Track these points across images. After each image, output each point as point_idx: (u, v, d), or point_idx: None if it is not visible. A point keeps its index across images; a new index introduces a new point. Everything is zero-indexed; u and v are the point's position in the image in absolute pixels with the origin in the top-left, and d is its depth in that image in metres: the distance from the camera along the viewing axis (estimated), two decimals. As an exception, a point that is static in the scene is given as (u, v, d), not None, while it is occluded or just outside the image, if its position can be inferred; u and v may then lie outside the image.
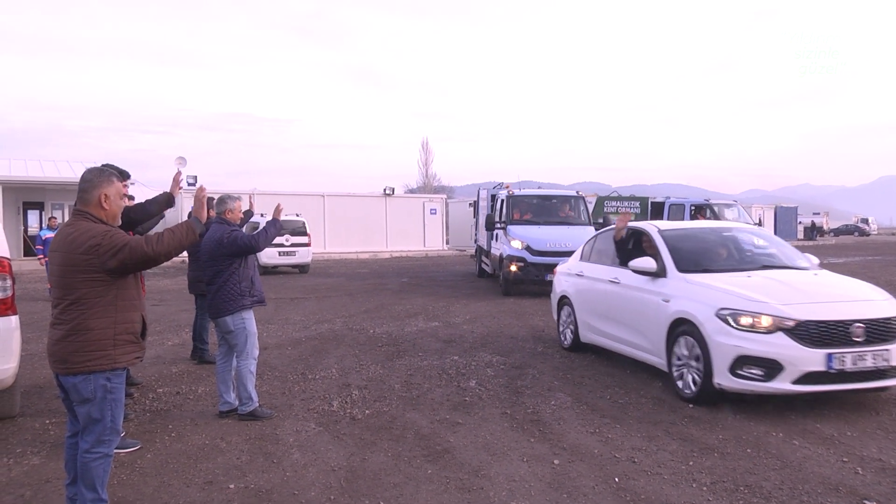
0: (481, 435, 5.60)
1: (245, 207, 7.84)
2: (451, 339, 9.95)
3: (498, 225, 16.62)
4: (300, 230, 23.27)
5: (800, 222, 55.32)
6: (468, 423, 5.90)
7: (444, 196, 43.35)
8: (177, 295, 16.08)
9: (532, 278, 15.01)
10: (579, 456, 5.10)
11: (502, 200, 17.04)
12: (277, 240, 22.05)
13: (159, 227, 5.17)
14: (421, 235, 37.07)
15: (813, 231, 55.20)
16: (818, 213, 68.16)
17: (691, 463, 4.92)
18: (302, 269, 23.33)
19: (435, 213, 37.80)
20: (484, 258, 19.75)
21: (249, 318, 6.15)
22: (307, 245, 23.37)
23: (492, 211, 18.20)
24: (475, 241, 22.02)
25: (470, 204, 39.29)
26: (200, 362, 8.42)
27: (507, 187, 17.41)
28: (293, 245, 22.82)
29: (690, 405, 6.33)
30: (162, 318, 12.27)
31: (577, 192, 17.77)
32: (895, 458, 4.91)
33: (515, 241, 15.29)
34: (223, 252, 6.03)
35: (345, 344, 9.64)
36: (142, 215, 6.34)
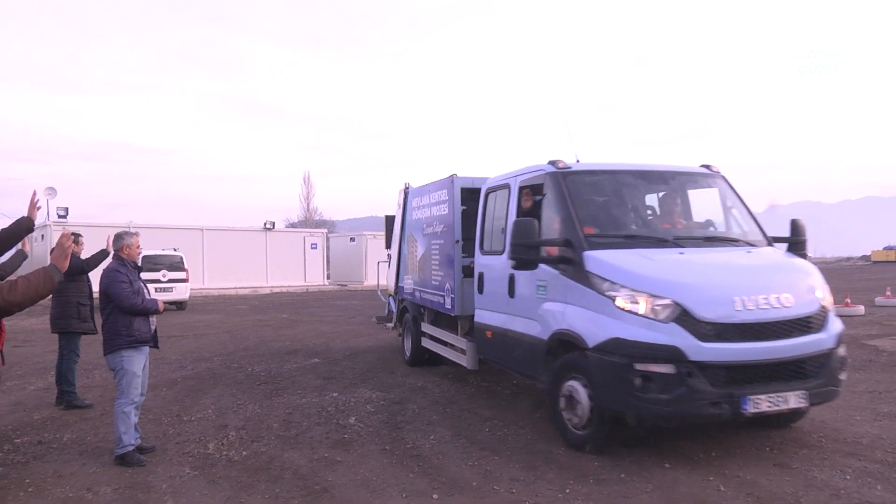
0: (360, 472, 5.50)
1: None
2: (330, 375, 9.75)
3: (548, 255, 6.37)
4: (178, 265, 22.33)
5: None
6: (347, 461, 5.78)
7: (325, 230, 42.88)
8: (43, 335, 14.93)
9: (706, 412, 5.34)
10: (458, 489, 5.10)
11: (538, 189, 6.94)
12: (154, 275, 21.04)
13: (26, 265, 4.78)
14: (301, 270, 36.41)
15: None
16: None
17: (568, 490, 5.02)
18: (179, 305, 22.30)
19: (316, 248, 37.31)
20: (427, 329, 9.91)
21: (130, 358, 5.90)
22: (185, 281, 22.43)
23: (482, 220, 7.96)
24: (394, 294, 11.62)
25: (352, 239, 39.01)
26: (68, 407, 7.81)
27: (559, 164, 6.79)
28: (170, 281, 21.84)
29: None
30: (25, 361, 11.35)
31: (711, 168, 7.42)
32: (751, 474, 5.22)
33: (644, 300, 5.50)
34: (105, 290, 5.90)
35: (222, 383, 9.25)
36: None
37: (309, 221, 63.07)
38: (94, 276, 7.37)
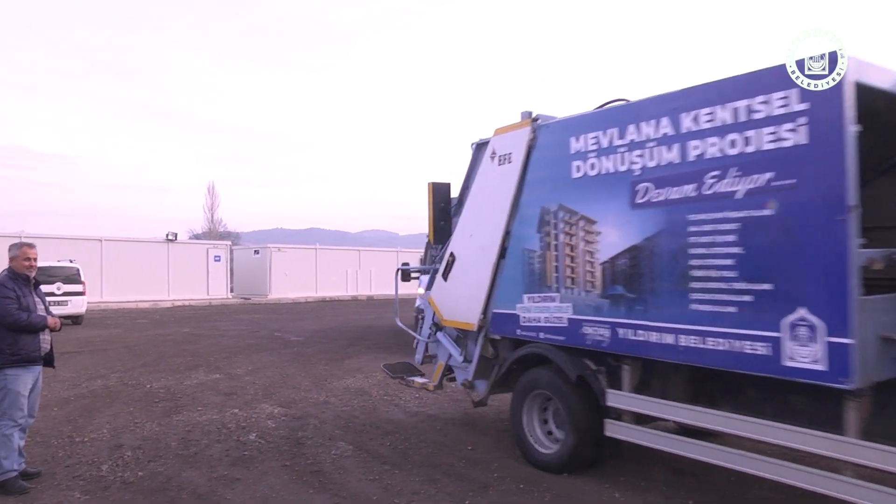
0: (260, 489, 5.40)
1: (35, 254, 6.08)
2: (232, 391, 9.50)
3: None
4: (74, 278, 21.10)
5: None
6: (247, 479, 5.67)
7: (229, 243, 41.65)
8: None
9: None
10: (358, 504, 5.08)
11: None
12: (48, 288, 19.85)
13: None
14: (204, 283, 35.13)
15: None
16: None
17: (468, 502, 5.09)
18: (75, 319, 21.06)
19: (219, 260, 36.10)
20: (637, 407, 5.15)
21: (14, 377, 5.54)
22: (82, 294, 21.21)
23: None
24: (479, 328, 6.45)
25: (256, 252, 37.99)
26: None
27: None
28: (65, 294, 20.60)
29: (470, 447, 6.53)
30: None
31: None
32: (644, 481, 5.47)
33: None
34: None
35: (119, 401, 8.84)
36: None
37: (213, 233, 61.14)
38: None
